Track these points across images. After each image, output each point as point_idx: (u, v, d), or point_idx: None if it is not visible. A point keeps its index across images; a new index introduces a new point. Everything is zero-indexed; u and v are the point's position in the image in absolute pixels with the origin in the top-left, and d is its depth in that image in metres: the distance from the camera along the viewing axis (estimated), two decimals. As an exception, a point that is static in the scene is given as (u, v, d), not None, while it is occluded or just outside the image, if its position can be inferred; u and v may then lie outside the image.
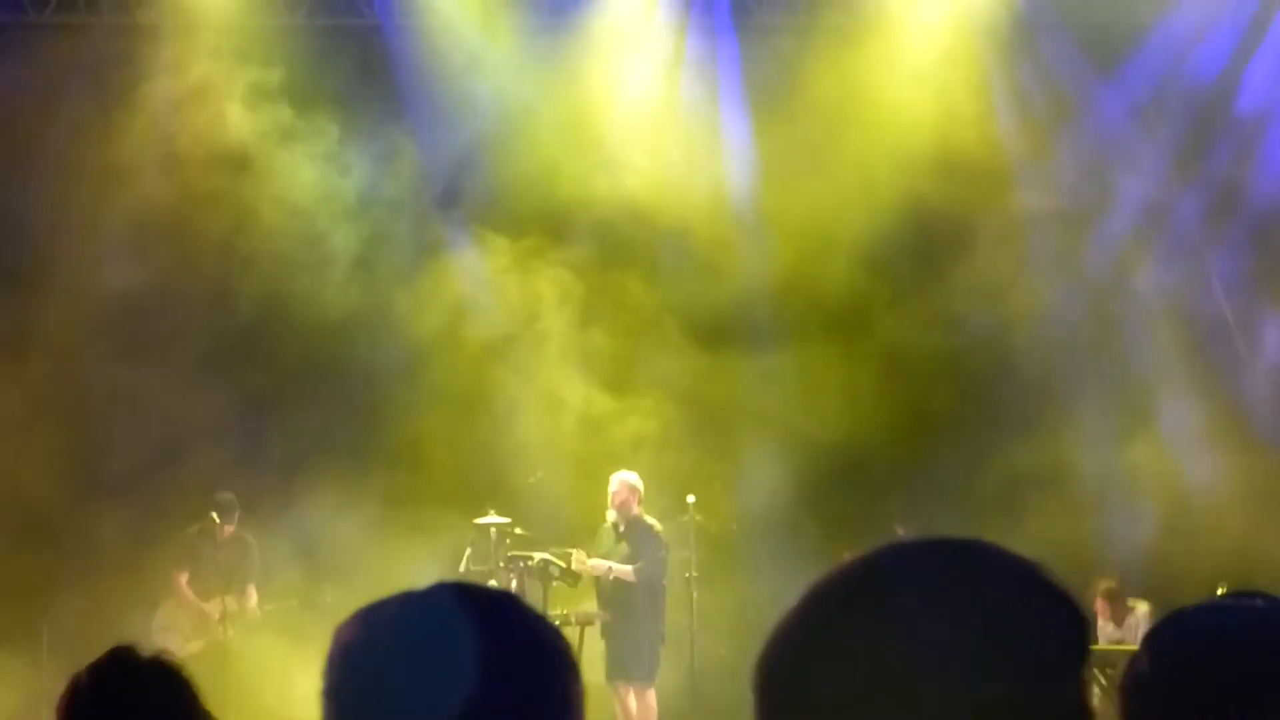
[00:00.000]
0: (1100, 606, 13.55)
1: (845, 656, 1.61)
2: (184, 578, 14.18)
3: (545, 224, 15.29)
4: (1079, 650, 1.65)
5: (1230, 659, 2.13)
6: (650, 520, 13.44)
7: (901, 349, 15.22)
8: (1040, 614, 1.64)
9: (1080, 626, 1.65)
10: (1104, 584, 13.60)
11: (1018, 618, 1.62)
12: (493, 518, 13.47)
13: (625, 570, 13.26)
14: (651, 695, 13.35)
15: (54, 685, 3.78)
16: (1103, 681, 12.89)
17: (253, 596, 14.32)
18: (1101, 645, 13.27)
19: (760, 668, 1.65)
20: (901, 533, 12.12)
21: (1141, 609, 13.54)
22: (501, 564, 13.25)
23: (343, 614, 1.97)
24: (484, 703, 1.83)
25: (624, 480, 13.45)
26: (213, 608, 14.02)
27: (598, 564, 13.34)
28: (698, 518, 13.76)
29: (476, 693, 1.83)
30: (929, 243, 15.24)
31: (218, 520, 14.14)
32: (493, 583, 11.44)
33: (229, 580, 14.04)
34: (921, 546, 1.69)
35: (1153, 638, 2.19)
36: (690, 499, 13.73)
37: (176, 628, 13.88)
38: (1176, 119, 15.50)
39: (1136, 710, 2.13)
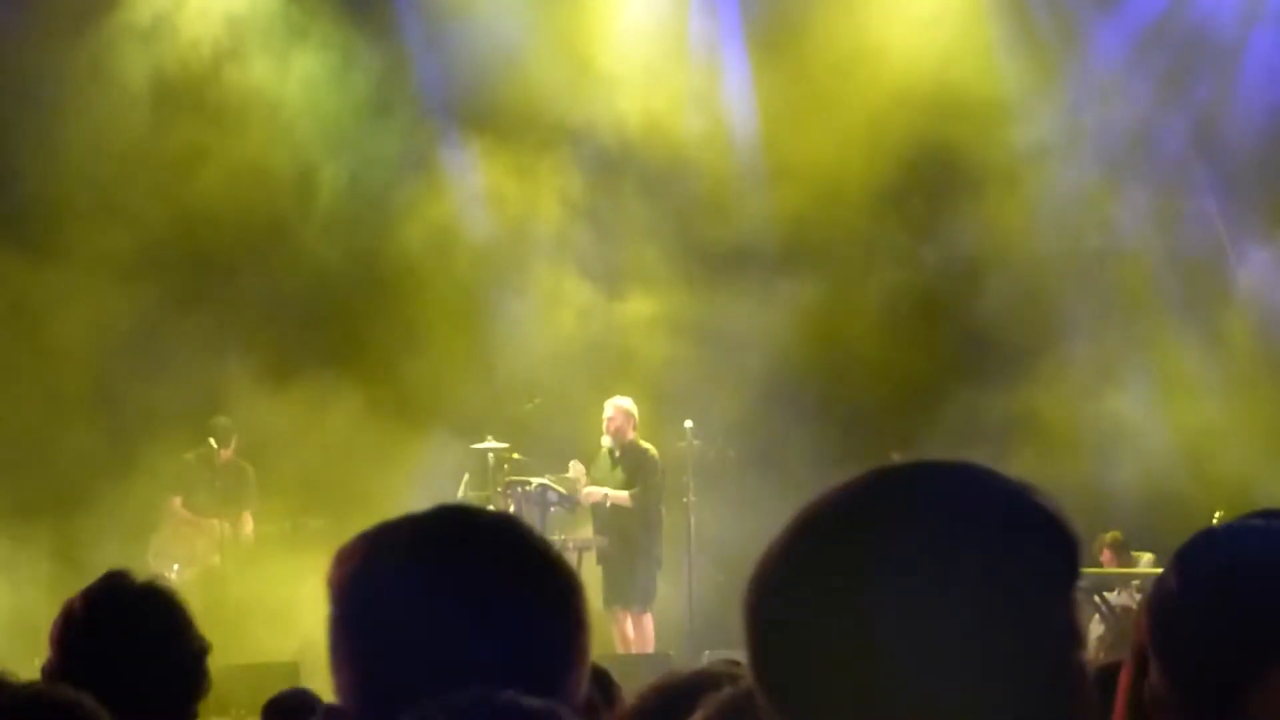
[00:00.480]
0: (1106, 558, 13.64)
1: (834, 582, 1.59)
2: (178, 502, 14.17)
3: (543, 143, 15.20)
4: (1069, 570, 1.64)
5: (1264, 575, 2.07)
6: (646, 445, 13.44)
7: (901, 283, 15.17)
8: (1031, 534, 1.62)
9: (1070, 546, 1.64)
10: (1109, 535, 13.67)
11: (1008, 539, 1.61)
12: (490, 443, 13.47)
13: (621, 496, 13.27)
14: (649, 620, 13.40)
15: (49, 611, 3.77)
16: (1102, 608, 12.94)
17: (249, 523, 14.32)
18: (1098, 569, 13.33)
19: (749, 595, 1.64)
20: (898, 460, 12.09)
21: (1145, 559, 13.62)
22: (499, 489, 13.27)
23: (334, 537, 1.95)
24: (495, 625, 1.83)
25: (619, 405, 13.43)
26: (209, 530, 14.02)
27: (593, 491, 13.34)
28: (695, 443, 13.76)
29: (487, 616, 1.82)
30: (928, 179, 15.19)
31: (215, 445, 14.12)
32: (491, 508, 11.45)
33: (224, 506, 14.04)
34: (910, 469, 1.67)
35: (1182, 555, 2.12)
36: (688, 424, 13.73)
37: (172, 554, 13.87)
38: (1170, 50, 15.40)
39: (1164, 628, 2.08)
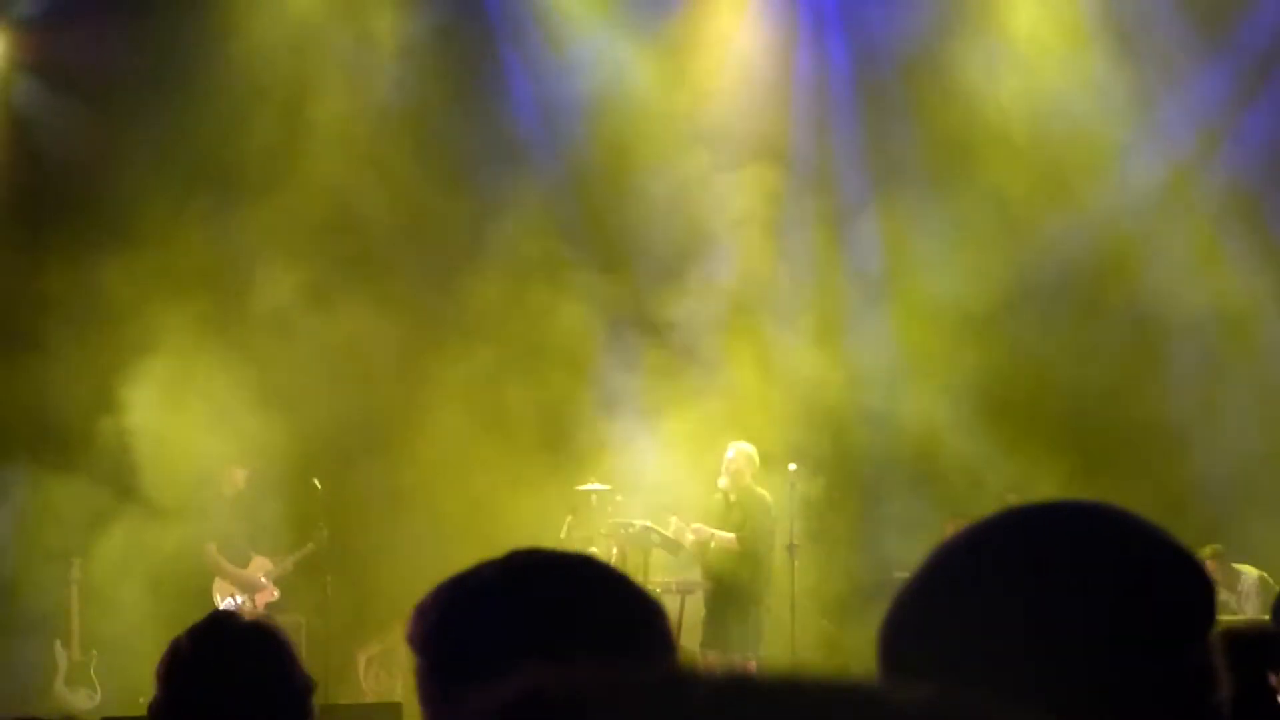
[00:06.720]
0: (1210, 569, 13.41)
1: (968, 624, 1.60)
2: (214, 549, 13.86)
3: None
4: (1207, 613, 1.64)
5: None
6: (761, 491, 13.41)
7: (1002, 326, 15.08)
8: (1165, 576, 1.63)
9: (1206, 588, 1.65)
10: (1211, 549, 13.47)
11: (1144, 582, 1.61)
12: (594, 485, 13.48)
13: (728, 538, 13.21)
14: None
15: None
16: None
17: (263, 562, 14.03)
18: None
19: (883, 635, 1.65)
20: (1014, 501, 12.00)
21: (1251, 575, 13.42)
22: (603, 531, 13.26)
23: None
24: (580, 656, 1.82)
25: (741, 449, 13.42)
26: (254, 571, 13.88)
27: (701, 529, 13.31)
28: (799, 486, 13.71)
29: (572, 648, 1.84)
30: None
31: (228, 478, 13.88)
32: (593, 550, 11.44)
33: (254, 544, 13.91)
34: (1044, 510, 1.68)
35: None
36: (792, 467, 13.69)
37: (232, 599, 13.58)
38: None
39: None
